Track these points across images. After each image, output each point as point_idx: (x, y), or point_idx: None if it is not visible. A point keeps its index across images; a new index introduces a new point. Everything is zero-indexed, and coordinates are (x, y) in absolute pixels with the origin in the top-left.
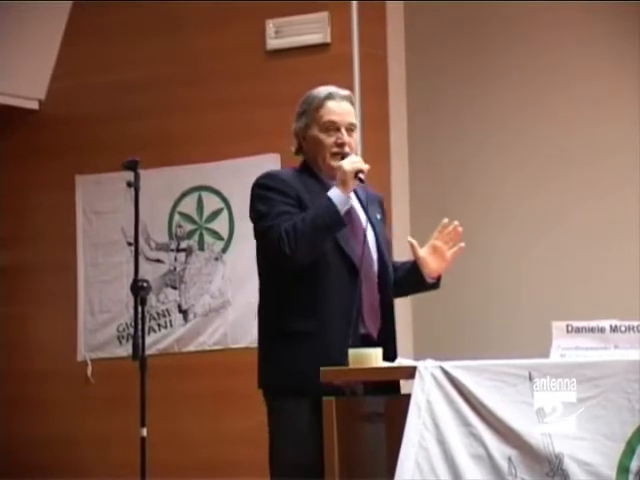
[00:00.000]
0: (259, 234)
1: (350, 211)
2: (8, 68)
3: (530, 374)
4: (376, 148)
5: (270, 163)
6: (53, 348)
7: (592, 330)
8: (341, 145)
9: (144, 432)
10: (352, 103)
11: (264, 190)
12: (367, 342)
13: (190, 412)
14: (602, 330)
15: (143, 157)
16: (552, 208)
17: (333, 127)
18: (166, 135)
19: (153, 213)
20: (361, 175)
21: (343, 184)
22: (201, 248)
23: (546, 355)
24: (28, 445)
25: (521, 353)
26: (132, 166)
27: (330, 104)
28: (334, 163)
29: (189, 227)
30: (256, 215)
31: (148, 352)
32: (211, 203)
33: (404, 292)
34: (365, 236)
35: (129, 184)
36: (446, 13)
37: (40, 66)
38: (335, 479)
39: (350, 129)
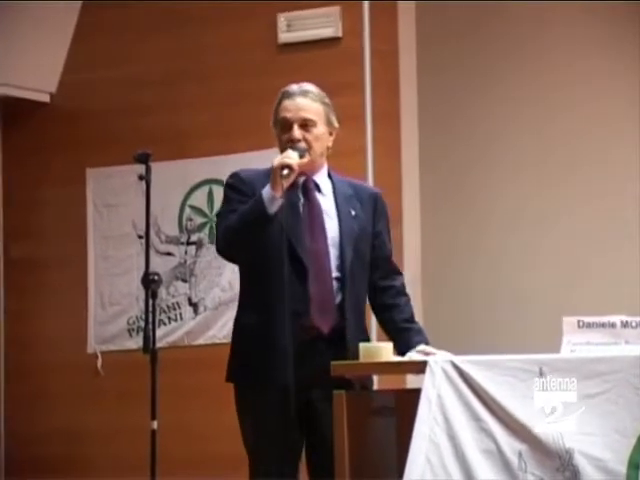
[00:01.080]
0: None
1: (313, 207)
2: (20, 61)
3: (541, 369)
4: (387, 143)
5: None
6: (63, 341)
7: (603, 325)
8: (291, 141)
9: (154, 425)
10: (314, 98)
11: (226, 188)
12: (316, 340)
13: (199, 405)
14: (613, 325)
15: (154, 150)
16: (562, 203)
17: (286, 124)
18: (177, 129)
19: (164, 206)
20: (284, 171)
21: (272, 180)
22: (212, 241)
23: (556, 351)
24: (38, 438)
25: (531, 349)
26: (143, 159)
27: (284, 102)
28: None
29: (199, 220)
30: (217, 214)
31: (158, 345)
32: (221, 196)
33: (378, 320)
34: (324, 230)
35: (140, 177)
36: (457, 8)
37: (51, 59)
38: (345, 474)
39: (305, 125)
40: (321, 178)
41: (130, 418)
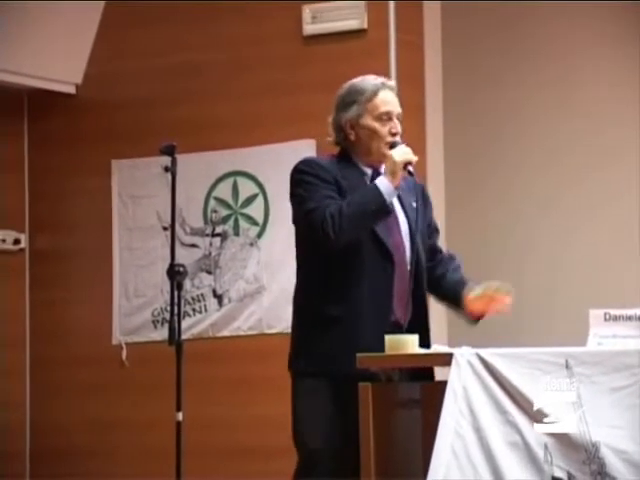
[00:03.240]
0: (301, 217)
1: None
2: (45, 52)
3: (567, 362)
4: (412, 135)
5: (306, 149)
6: (88, 332)
7: (630, 318)
8: (395, 134)
9: (180, 416)
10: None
11: (304, 175)
12: (396, 330)
13: (224, 397)
14: None
15: (178, 142)
16: (590, 197)
17: (387, 117)
18: (202, 120)
19: (189, 198)
20: (410, 168)
21: (392, 174)
22: (236, 233)
23: (583, 343)
24: (63, 429)
25: (558, 341)
26: (169, 151)
27: (383, 94)
28: (387, 151)
29: (224, 212)
30: (297, 199)
31: (183, 337)
32: (246, 188)
33: (438, 298)
34: (398, 224)
35: (166, 169)
36: (483, 1)
37: (77, 50)
38: (371, 464)
39: (399, 119)
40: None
41: (155, 409)
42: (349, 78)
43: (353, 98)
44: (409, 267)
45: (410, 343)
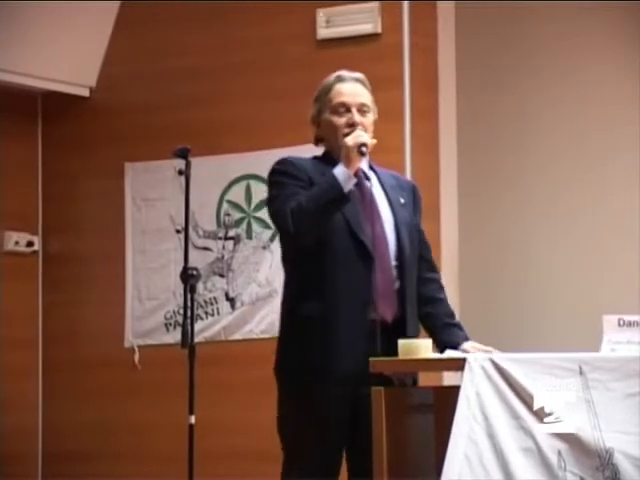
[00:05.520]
0: (271, 217)
1: (366, 195)
2: (59, 55)
3: (580, 368)
4: (425, 139)
5: (319, 152)
6: (101, 335)
7: None
8: (352, 125)
9: (192, 420)
10: (365, 85)
11: (276, 175)
12: (380, 329)
13: (236, 400)
14: None
15: (192, 145)
16: (603, 195)
17: (343, 108)
18: (215, 124)
19: (201, 201)
20: (363, 148)
21: (346, 159)
22: (249, 237)
23: (596, 349)
24: (76, 431)
25: (570, 346)
26: (183, 154)
27: (339, 86)
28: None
29: (237, 215)
30: (268, 199)
31: (195, 340)
32: (259, 192)
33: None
34: (380, 217)
35: (180, 172)
36: (497, 4)
37: (91, 53)
38: (383, 469)
39: (362, 110)
40: (366, 168)
41: (167, 412)
42: None
43: (317, 95)
44: (394, 262)
45: (423, 347)
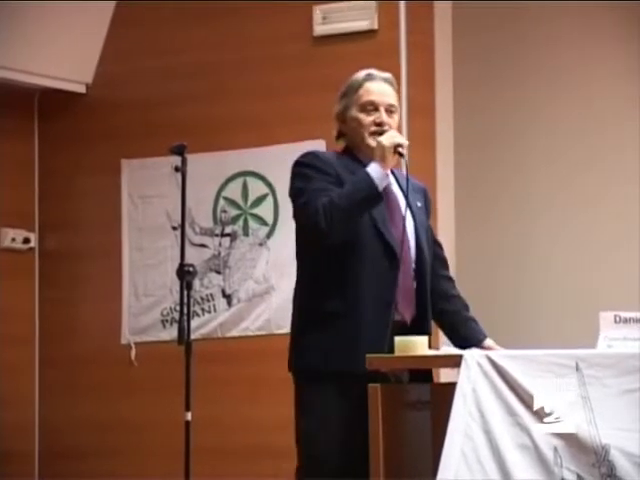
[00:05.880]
0: (296, 210)
1: (390, 196)
2: (56, 52)
3: (577, 364)
4: (422, 135)
5: (315, 149)
6: (97, 331)
7: None
8: (379, 124)
9: (189, 416)
10: (393, 86)
11: (303, 167)
12: (400, 329)
13: (232, 397)
14: None
15: (188, 142)
16: (599, 193)
17: (372, 107)
18: (212, 120)
19: (198, 198)
20: (400, 149)
21: (382, 159)
22: (246, 233)
23: (590, 344)
24: (72, 427)
25: (568, 343)
26: (179, 151)
27: (368, 85)
28: (372, 142)
29: (234, 212)
30: (294, 192)
31: (191, 336)
32: (256, 188)
33: (436, 319)
34: (404, 221)
35: (176, 169)
36: (493, 4)
37: (87, 50)
38: (380, 465)
39: (390, 110)
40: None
41: (164, 409)
42: None
43: (344, 91)
44: (414, 265)
45: (420, 344)
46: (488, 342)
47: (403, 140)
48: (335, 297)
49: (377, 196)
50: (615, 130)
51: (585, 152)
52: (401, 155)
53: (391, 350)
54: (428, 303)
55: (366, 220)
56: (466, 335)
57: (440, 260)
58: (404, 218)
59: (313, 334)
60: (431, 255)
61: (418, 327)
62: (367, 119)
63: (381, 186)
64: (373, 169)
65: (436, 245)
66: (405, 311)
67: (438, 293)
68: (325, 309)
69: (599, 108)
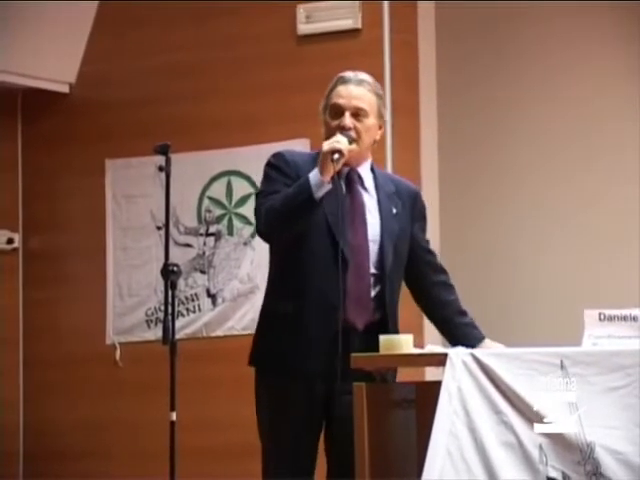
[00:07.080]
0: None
1: (355, 198)
2: (39, 51)
3: (562, 362)
4: (406, 135)
5: (300, 148)
6: (82, 332)
7: (624, 319)
8: (342, 129)
9: (174, 416)
10: (370, 87)
11: (268, 168)
12: (350, 333)
13: (217, 397)
14: (635, 319)
15: (173, 141)
16: (583, 195)
17: (338, 110)
18: (196, 120)
19: (182, 197)
20: (335, 155)
21: (320, 165)
22: (230, 233)
23: (578, 344)
24: (57, 429)
25: (549, 342)
26: (163, 150)
27: (340, 88)
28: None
29: (218, 212)
30: (256, 194)
31: (176, 336)
32: (240, 188)
33: (436, 323)
34: (365, 225)
35: (160, 168)
36: (477, 4)
37: (71, 49)
38: (365, 465)
39: (357, 114)
40: (365, 172)
41: (149, 409)
42: None
43: (325, 93)
44: (374, 271)
45: (405, 343)
46: (487, 344)
47: (342, 146)
48: (286, 298)
49: (311, 203)
50: (604, 131)
51: (571, 154)
52: (332, 161)
53: (344, 352)
54: (391, 309)
55: (322, 222)
56: (459, 341)
57: (431, 266)
58: (364, 222)
59: (264, 332)
60: (402, 264)
61: (379, 331)
62: (333, 123)
63: (317, 193)
64: (313, 175)
65: (426, 252)
66: (357, 318)
67: (432, 300)
68: (278, 309)
69: (586, 109)
